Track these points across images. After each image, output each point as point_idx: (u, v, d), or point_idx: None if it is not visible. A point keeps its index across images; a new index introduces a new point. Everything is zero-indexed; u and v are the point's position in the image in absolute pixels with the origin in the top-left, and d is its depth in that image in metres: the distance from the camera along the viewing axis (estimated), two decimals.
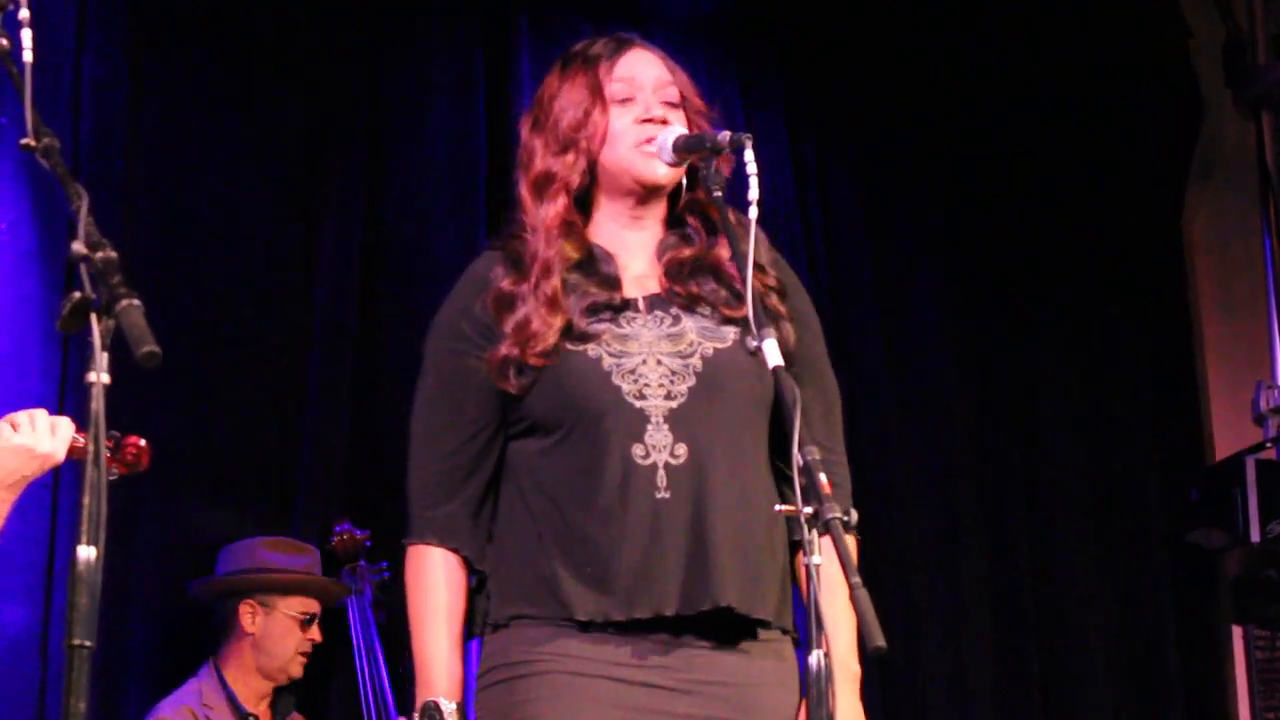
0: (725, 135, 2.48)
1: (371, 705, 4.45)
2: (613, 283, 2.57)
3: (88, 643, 1.86)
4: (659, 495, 2.43)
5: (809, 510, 2.19)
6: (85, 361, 1.92)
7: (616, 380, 2.47)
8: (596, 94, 2.59)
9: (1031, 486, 5.83)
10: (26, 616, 4.10)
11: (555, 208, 2.57)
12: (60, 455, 2.77)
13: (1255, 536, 5.29)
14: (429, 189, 5.10)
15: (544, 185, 2.59)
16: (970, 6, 5.82)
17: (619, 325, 2.52)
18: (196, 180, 4.77)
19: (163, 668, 4.40)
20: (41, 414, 2.77)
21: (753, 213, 2.43)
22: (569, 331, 2.50)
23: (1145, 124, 6.05)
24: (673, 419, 2.46)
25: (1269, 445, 5.40)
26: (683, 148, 2.55)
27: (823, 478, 2.20)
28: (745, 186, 2.41)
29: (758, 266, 2.54)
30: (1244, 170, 5.87)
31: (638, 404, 2.46)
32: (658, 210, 2.64)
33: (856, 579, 2.12)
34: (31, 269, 4.27)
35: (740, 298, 2.47)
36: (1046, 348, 5.93)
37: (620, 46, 2.65)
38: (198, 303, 4.66)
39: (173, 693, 4.28)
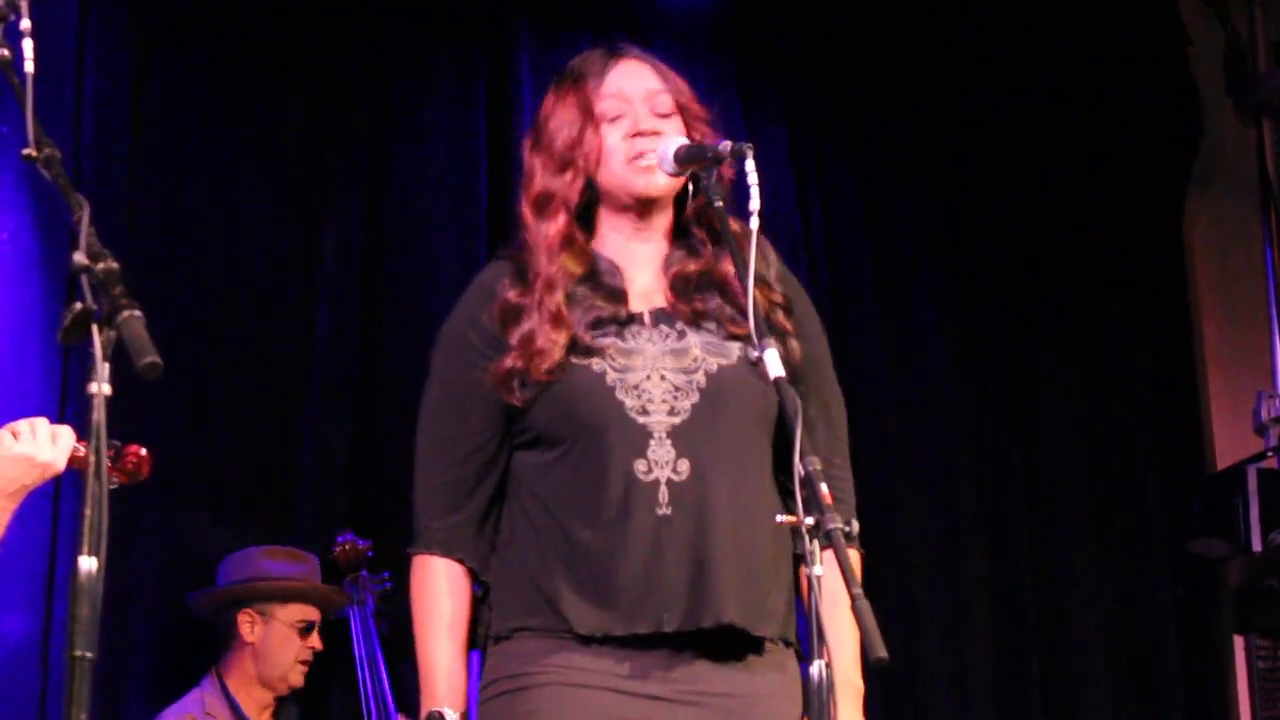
0: (726, 145, 2.49)
1: (374, 716, 4.45)
2: (618, 296, 2.58)
3: (89, 653, 1.86)
4: (660, 511, 2.44)
5: (810, 521, 2.19)
6: (86, 371, 1.92)
7: (620, 395, 2.48)
8: (587, 113, 2.60)
9: (1031, 486, 5.83)
10: (27, 626, 4.11)
11: (556, 225, 2.59)
12: (61, 464, 2.76)
13: (1257, 546, 5.29)
14: (429, 189, 5.10)
15: (544, 204, 2.61)
16: (971, 10, 5.81)
17: (624, 340, 2.53)
18: (196, 180, 4.77)
19: (163, 677, 4.40)
20: (42, 422, 2.76)
21: (754, 223, 2.43)
22: (574, 346, 2.50)
23: (1145, 130, 6.05)
24: (675, 435, 2.46)
25: (1270, 454, 5.40)
26: (684, 158, 2.55)
27: (824, 488, 2.20)
28: (746, 196, 2.42)
29: (764, 282, 2.56)
30: (1244, 177, 5.86)
31: (640, 420, 2.47)
32: (661, 221, 2.64)
33: (858, 590, 2.13)
34: (33, 278, 4.28)
35: (745, 314, 2.47)
36: (1046, 348, 5.93)
37: (610, 60, 2.66)
38: (198, 306, 4.67)
39: (175, 702, 4.29)
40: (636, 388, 2.48)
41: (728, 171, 2.54)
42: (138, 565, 4.38)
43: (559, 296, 2.53)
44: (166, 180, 4.72)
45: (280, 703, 4.43)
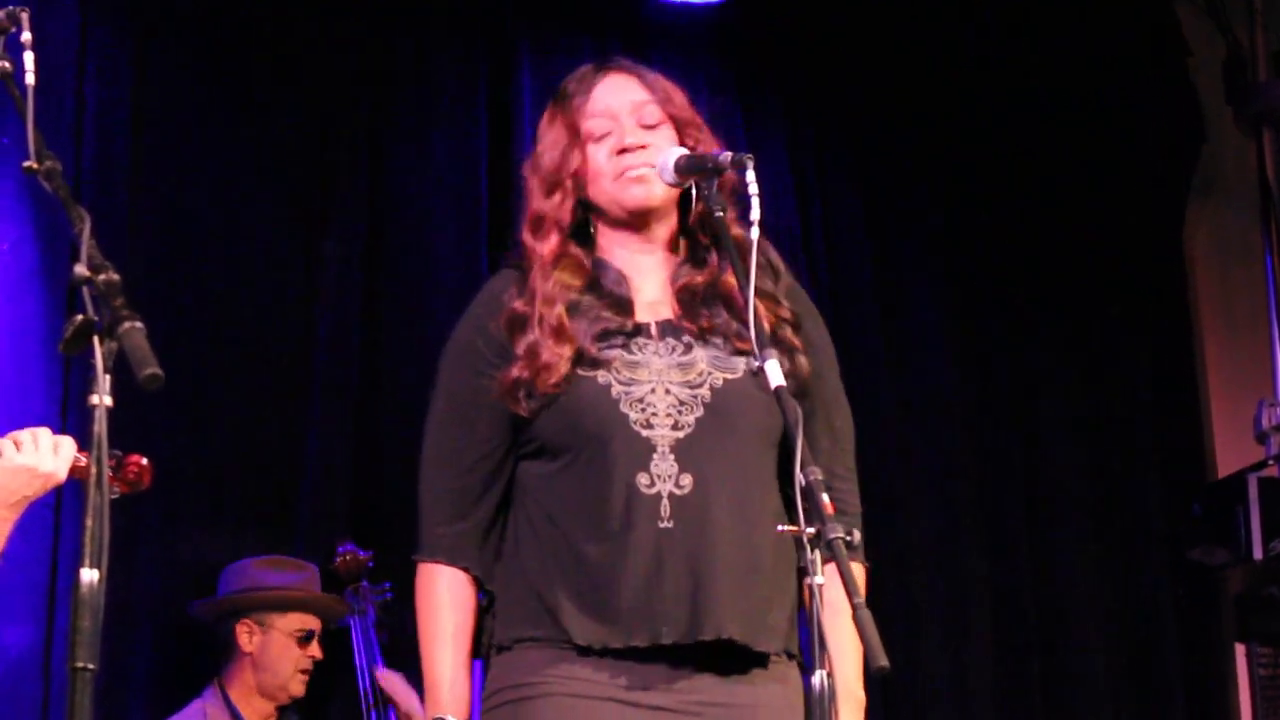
0: (727, 156, 2.49)
1: None
2: (625, 306, 2.59)
3: (90, 665, 1.87)
4: (662, 525, 2.44)
5: (811, 531, 2.20)
6: (87, 382, 1.93)
7: (625, 409, 2.48)
8: (573, 133, 2.62)
9: (1031, 486, 5.82)
10: (29, 636, 4.10)
11: (549, 245, 2.60)
12: (62, 475, 2.77)
13: (1257, 554, 5.29)
14: (429, 189, 5.10)
15: (538, 225, 2.63)
16: (972, 17, 5.80)
17: (630, 352, 2.54)
18: (196, 180, 4.77)
19: (165, 688, 4.40)
20: (44, 433, 2.77)
21: (754, 233, 2.43)
22: (580, 357, 2.51)
23: (1146, 139, 6.04)
24: (679, 449, 2.47)
25: (1271, 463, 5.40)
26: (684, 168, 2.56)
27: (825, 498, 2.20)
28: (747, 206, 2.42)
29: (771, 297, 2.57)
30: (1245, 187, 5.87)
31: (644, 433, 2.47)
32: (662, 230, 2.65)
33: (859, 599, 2.14)
34: (34, 289, 4.27)
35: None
36: (1046, 348, 5.92)
37: (596, 76, 2.67)
38: (198, 306, 4.66)
39: (176, 713, 4.29)
40: (641, 401, 2.49)
41: (730, 177, 2.54)
42: (139, 575, 4.38)
43: (559, 310, 2.54)
44: (166, 181, 4.72)
45: (281, 712, 4.42)
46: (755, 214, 2.42)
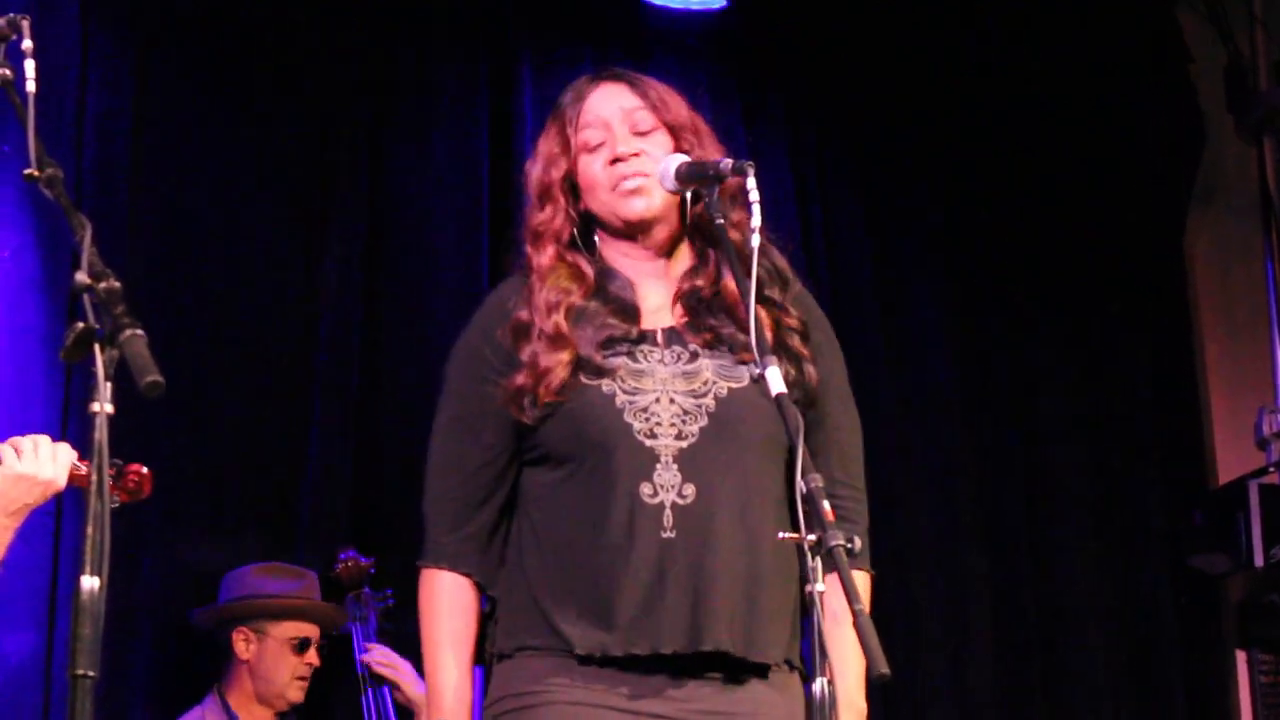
0: (728, 164, 2.49)
1: None
2: (631, 313, 2.59)
3: (91, 672, 1.87)
4: (664, 535, 2.44)
5: (811, 538, 2.19)
6: (88, 390, 1.92)
7: (628, 418, 2.48)
8: (565, 145, 2.63)
9: (1031, 485, 5.82)
10: (30, 644, 4.10)
11: (546, 255, 2.61)
12: (62, 482, 2.76)
13: (1258, 561, 5.29)
14: (429, 189, 5.10)
15: (535, 237, 2.64)
16: (974, 22, 5.80)
17: (635, 360, 2.54)
18: (196, 180, 4.77)
19: (165, 696, 4.39)
20: (44, 440, 2.76)
21: (755, 240, 2.43)
22: (585, 365, 2.51)
23: (1147, 145, 6.05)
24: (682, 459, 2.47)
25: (1272, 470, 5.40)
26: (685, 176, 2.56)
27: (826, 505, 2.20)
28: (748, 213, 2.42)
29: (779, 305, 2.57)
30: (1245, 194, 5.87)
31: (648, 443, 2.47)
32: (662, 234, 2.64)
33: (860, 605, 2.13)
34: (35, 296, 4.27)
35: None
36: (1046, 347, 5.92)
37: (589, 86, 2.68)
38: (199, 307, 4.66)
39: None
40: (645, 410, 2.49)
41: (732, 181, 2.54)
42: (140, 583, 4.37)
43: (557, 317, 2.54)
44: (167, 181, 4.71)
45: (281, 718, 4.42)
46: (756, 221, 2.41)
